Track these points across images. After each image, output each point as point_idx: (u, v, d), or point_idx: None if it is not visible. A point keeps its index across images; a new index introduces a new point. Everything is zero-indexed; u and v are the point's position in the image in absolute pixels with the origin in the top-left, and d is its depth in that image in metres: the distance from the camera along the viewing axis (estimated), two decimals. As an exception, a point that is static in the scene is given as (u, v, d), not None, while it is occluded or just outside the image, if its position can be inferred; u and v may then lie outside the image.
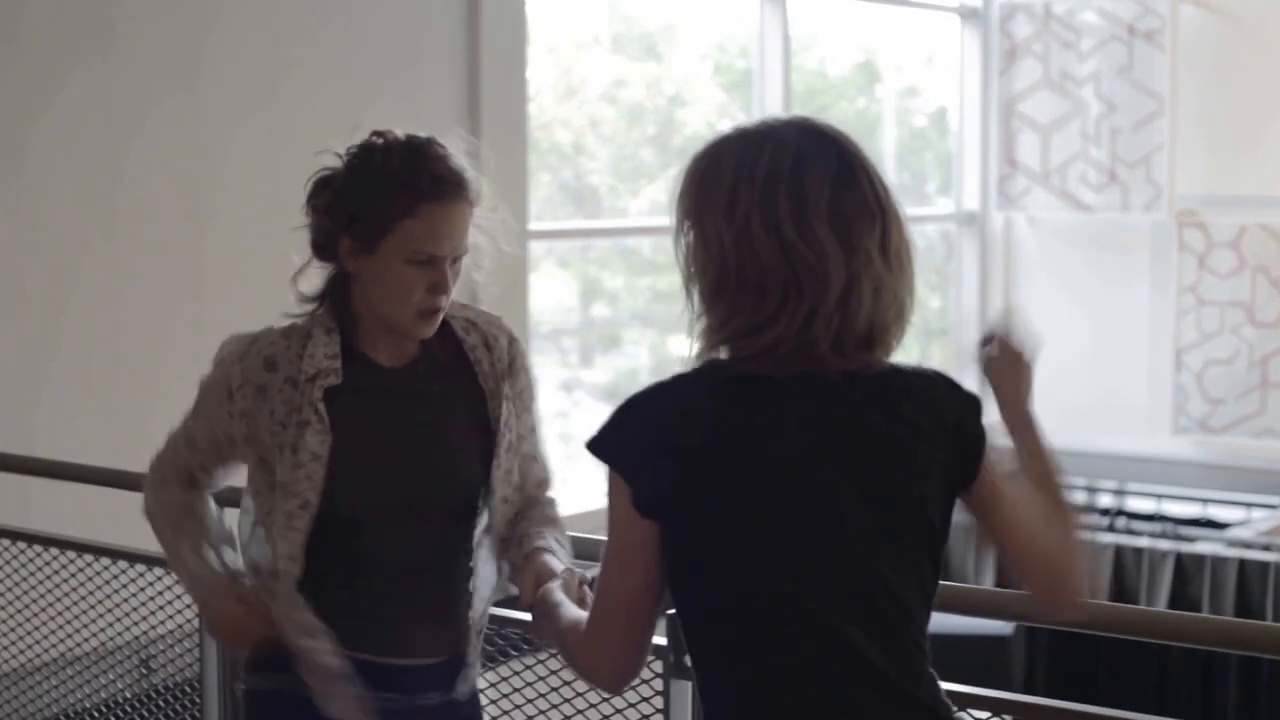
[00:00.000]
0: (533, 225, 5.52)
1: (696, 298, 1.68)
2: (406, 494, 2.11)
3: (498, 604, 2.29)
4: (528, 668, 2.56)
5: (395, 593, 2.12)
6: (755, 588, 1.65)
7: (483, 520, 2.18)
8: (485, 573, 2.20)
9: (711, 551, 1.65)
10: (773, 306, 1.62)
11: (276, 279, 2.23)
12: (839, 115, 7.43)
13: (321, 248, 2.12)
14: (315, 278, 2.15)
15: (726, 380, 1.66)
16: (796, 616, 1.65)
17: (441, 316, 2.10)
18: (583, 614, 1.80)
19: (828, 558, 1.66)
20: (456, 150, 2.10)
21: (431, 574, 2.15)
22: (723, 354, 1.68)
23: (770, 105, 6.60)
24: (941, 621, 2.42)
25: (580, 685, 2.51)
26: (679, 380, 1.68)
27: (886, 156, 7.59)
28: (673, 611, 2.29)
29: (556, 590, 1.92)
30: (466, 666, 2.19)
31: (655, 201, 6.69)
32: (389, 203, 2.03)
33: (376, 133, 2.10)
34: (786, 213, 1.62)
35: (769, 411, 1.66)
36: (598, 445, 1.67)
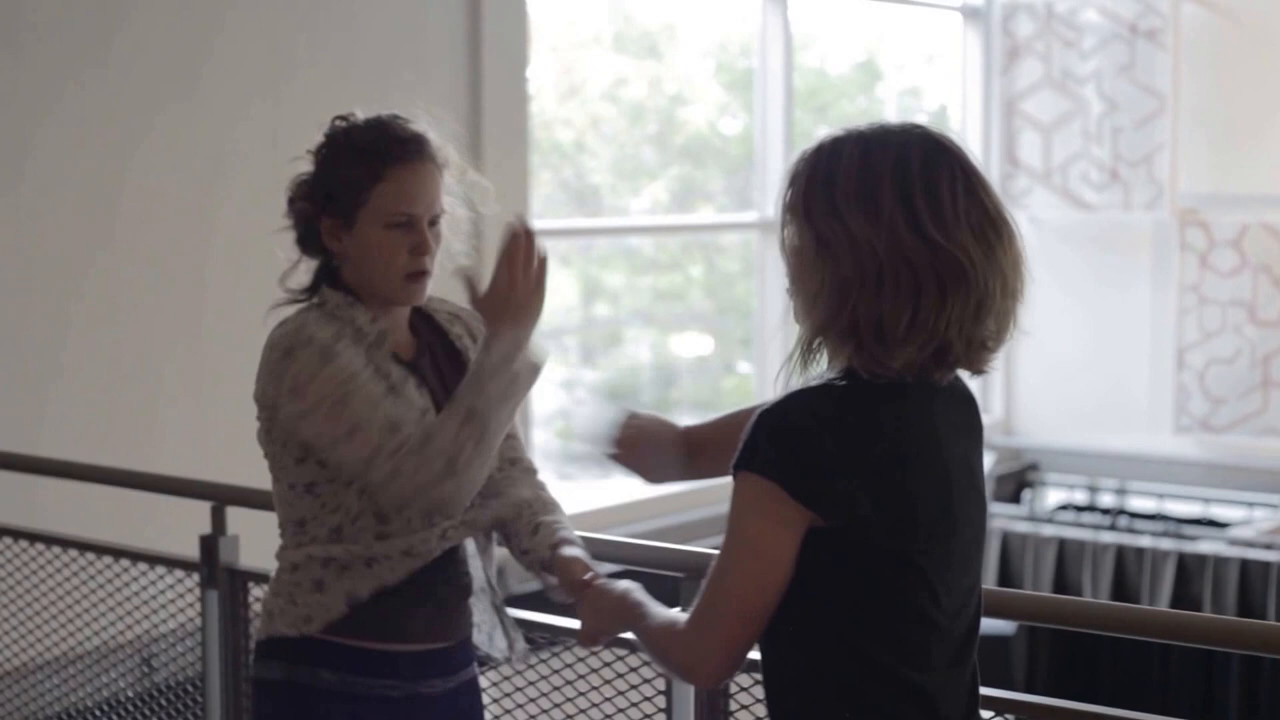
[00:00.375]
0: (534, 224, 5.52)
1: (826, 296, 1.62)
2: None
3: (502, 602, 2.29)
4: (531, 666, 2.55)
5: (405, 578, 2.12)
6: (928, 605, 1.66)
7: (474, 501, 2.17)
8: (483, 555, 2.20)
9: (888, 565, 1.64)
10: (928, 309, 1.60)
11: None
12: (840, 114, 7.43)
13: (305, 239, 2.16)
14: (303, 276, 2.18)
15: (875, 390, 1.64)
16: (951, 632, 1.70)
17: (428, 282, 2.14)
18: (674, 613, 1.77)
19: (973, 573, 1.73)
20: (420, 120, 2.18)
21: (435, 558, 2.14)
22: (850, 360, 1.65)
23: (772, 104, 6.59)
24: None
25: (582, 685, 2.52)
26: (824, 391, 1.65)
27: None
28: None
29: (636, 589, 1.88)
30: (471, 650, 2.21)
31: (656, 200, 6.69)
32: (359, 172, 2.10)
33: (339, 117, 2.18)
34: (927, 215, 1.60)
35: (928, 423, 1.67)
36: (756, 463, 1.61)
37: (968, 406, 1.75)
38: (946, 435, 1.69)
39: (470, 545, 2.20)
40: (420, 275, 2.12)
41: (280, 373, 2.06)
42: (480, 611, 2.23)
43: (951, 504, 1.68)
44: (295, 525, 2.14)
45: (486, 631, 2.26)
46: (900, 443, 1.64)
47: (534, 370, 2.04)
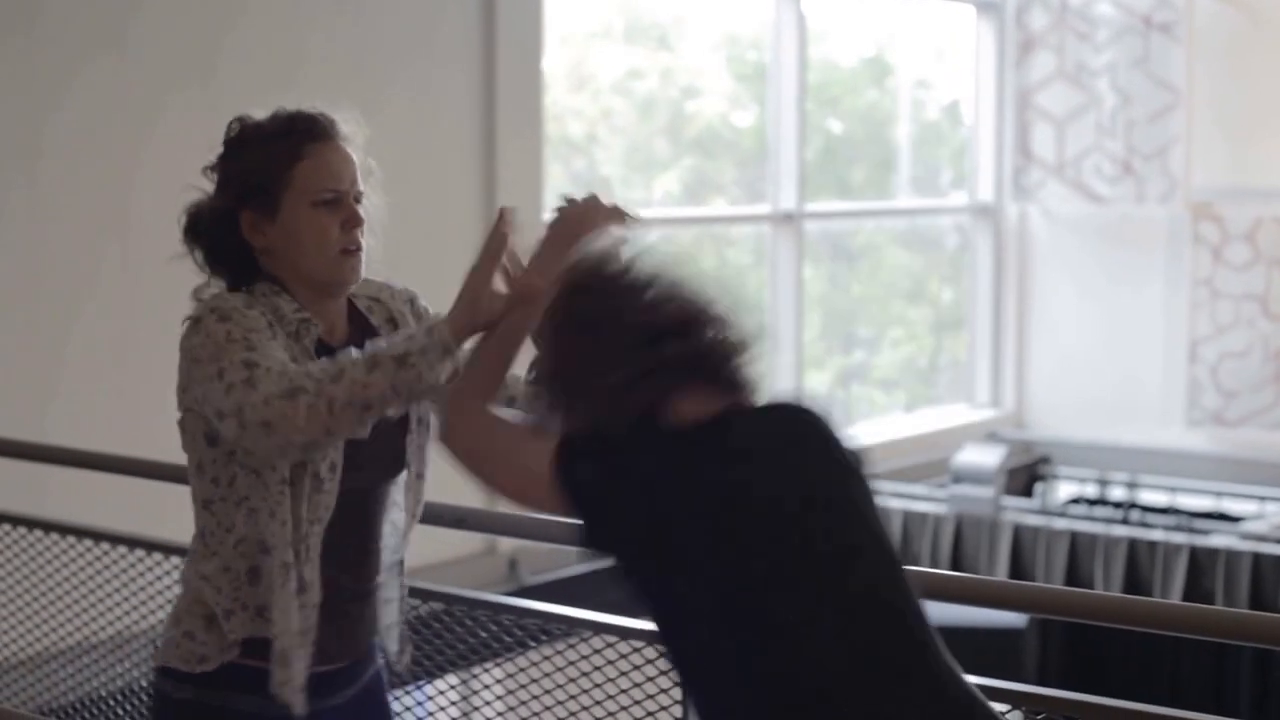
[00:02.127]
0: (545, 217, 5.53)
1: None
2: (371, 476, 2.08)
3: (505, 592, 2.28)
4: (545, 659, 2.56)
5: (337, 590, 2.04)
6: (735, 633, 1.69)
7: (394, 495, 2.12)
8: (392, 562, 2.14)
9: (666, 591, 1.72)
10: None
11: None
12: (851, 107, 7.43)
13: (214, 255, 2.13)
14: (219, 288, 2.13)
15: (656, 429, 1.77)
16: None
17: (362, 259, 2.07)
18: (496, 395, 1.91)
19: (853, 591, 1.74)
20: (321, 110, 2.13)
21: (362, 563, 2.08)
22: None
23: (785, 96, 6.59)
24: (955, 613, 2.43)
25: (596, 678, 2.51)
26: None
27: (900, 149, 7.58)
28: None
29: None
30: (375, 651, 2.15)
31: (668, 192, 6.69)
32: (276, 155, 2.05)
33: (237, 118, 2.12)
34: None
35: (709, 454, 1.76)
36: (576, 493, 1.74)
37: (789, 422, 1.80)
38: (740, 459, 1.73)
39: (390, 554, 2.13)
40: (355, 251, 2.06)
41: (186, 346, 2.05)
42: (388, 615, 2.16)
43: (734, 525, 1.69)
44: (196, 538, 2.08)
45: (385, 625, 2.18)
46: (661, 476, 1.72)
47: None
